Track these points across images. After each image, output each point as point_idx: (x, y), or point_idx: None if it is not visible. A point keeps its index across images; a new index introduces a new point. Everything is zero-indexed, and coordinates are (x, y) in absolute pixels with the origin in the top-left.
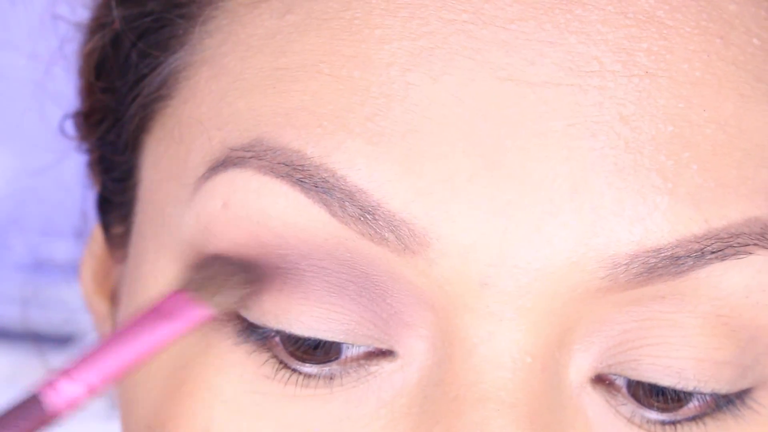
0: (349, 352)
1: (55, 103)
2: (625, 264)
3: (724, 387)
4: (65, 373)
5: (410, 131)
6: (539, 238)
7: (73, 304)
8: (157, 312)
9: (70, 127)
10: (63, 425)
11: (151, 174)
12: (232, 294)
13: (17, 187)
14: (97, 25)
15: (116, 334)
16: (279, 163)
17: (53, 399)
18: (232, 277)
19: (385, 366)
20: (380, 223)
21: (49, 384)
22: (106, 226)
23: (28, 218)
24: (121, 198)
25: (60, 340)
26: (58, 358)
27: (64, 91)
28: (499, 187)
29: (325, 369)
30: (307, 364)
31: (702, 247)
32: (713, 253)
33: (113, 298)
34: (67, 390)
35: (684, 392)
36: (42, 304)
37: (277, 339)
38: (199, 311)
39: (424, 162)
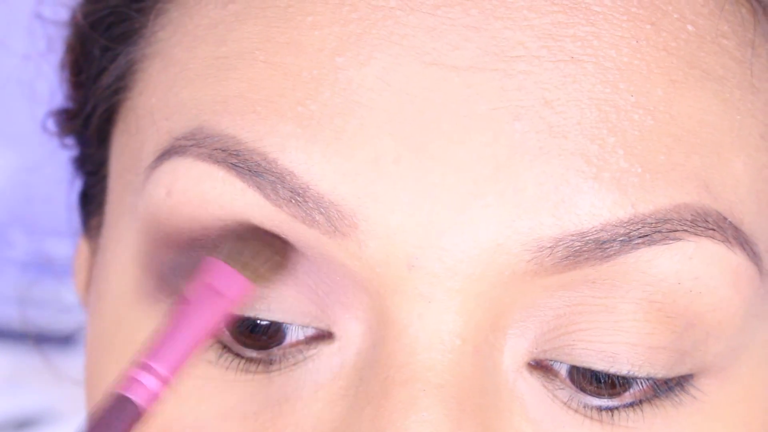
0: (291, 337)
1: (51, 101)
2: (550, 247)
3: (660, 372)
4: (145, 367)
5: (338, 114)
6: (464, 219)
7: (72, 303)
8: (205, 288)
9: (52, 124)
10: None
11: (115, 165)
12: (267, 265)
13: (15, 186)
14: (71, 22)
15: (172, 318)
16: (216, 149)
17: (140, 396)
18: (266, 249)
19: (323, 349)
20: (310, 204)
21: (134, 381)
22: (85, 218)
23: (27, 217)
24: (95, 190)
25: (60, 340)
26: (57, 358)
27: (58, 89)
28: (424, 169)
29: (265, 354)
30: (249, 349)
31: (628, 231)
32: (640, 237)
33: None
34: (149, 384)
35: (621, 377)
36: (41, 303)
37: None
38: (244, 284)
39: (352, 144)
